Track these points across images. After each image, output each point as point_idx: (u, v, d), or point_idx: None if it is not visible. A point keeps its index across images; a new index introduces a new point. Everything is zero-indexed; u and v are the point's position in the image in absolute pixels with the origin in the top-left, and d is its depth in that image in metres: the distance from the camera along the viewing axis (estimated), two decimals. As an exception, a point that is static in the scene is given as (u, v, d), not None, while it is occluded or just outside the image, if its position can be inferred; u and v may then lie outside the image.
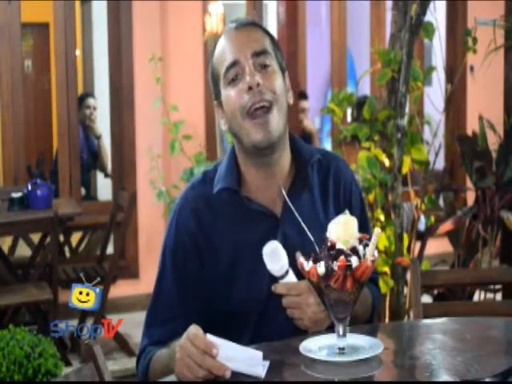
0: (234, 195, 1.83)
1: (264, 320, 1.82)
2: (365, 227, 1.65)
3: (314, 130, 6.28)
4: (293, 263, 1.70)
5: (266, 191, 1.85)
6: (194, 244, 1.83)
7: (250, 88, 1.75)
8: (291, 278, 1.74)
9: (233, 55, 1.78)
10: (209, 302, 1.83)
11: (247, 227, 1.82)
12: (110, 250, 4.94)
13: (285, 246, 1.76)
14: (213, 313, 1.83)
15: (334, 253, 1.55)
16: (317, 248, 1.65)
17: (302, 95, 6.16)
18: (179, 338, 1.62)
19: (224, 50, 1.81)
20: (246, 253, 1.81)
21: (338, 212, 1.87)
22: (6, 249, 5.03)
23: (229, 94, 1.79)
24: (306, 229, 1.73)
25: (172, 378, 1.62)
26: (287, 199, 1.81)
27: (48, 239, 4.41)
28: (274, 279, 1.76)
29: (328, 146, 7.20)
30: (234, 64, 1.77)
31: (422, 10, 3.44)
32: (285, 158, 1.86)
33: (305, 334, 1.74)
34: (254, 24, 1.85)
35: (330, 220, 1.81)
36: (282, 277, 1.74)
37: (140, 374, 1.82)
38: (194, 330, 1.58)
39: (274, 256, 1.73)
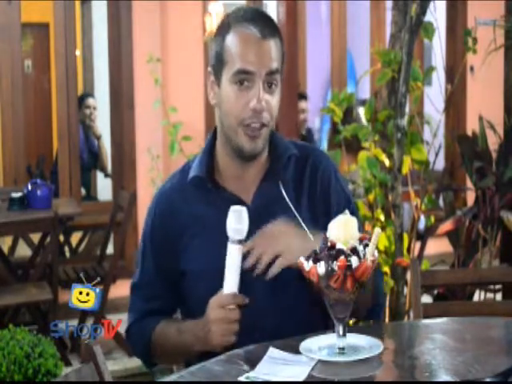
0: (206, 183, 1.89)
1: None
2: None
3: (304, 130, 6.31)
4: None
5: (238, 180, 1.90)
6: (168, 230, 1.90)
7: (254, 110, 1.80)
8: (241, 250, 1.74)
9: (249, 65, 1.79)
10: (186, 288, 1.90)
11: (217, 214, 1.82)
12: (109, 249, 4.94)
13: (254, 235, 1.78)
14: (191, 299, 1.90)
15: (333, 253, 1.55)
16: None
17: (301, 96, 6.16)
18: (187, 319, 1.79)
19: (241, 50, 1.80)
20: (215, 237, 1.82)
21: (312, 207, 1.91)
22: (5, 249, 5.02)
23: (231, 93, 1.82)
24: (296, 214, 1.79)
25: (173, 377, 1.61)
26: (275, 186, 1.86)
27: (48, 239, 4.41)
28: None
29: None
30: (248, 73, 1.80)
31: (422, 10, 3.44)
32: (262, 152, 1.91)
33: (293, 333, 1.74)
34: (275, 32, 1.86)
35: (300, 214, 1.84)
36: (234, 242, 1.73)
37: (139, 346, 1.92)
38: (215, 299, 1.72)
39: (239, 217, 1.73)
